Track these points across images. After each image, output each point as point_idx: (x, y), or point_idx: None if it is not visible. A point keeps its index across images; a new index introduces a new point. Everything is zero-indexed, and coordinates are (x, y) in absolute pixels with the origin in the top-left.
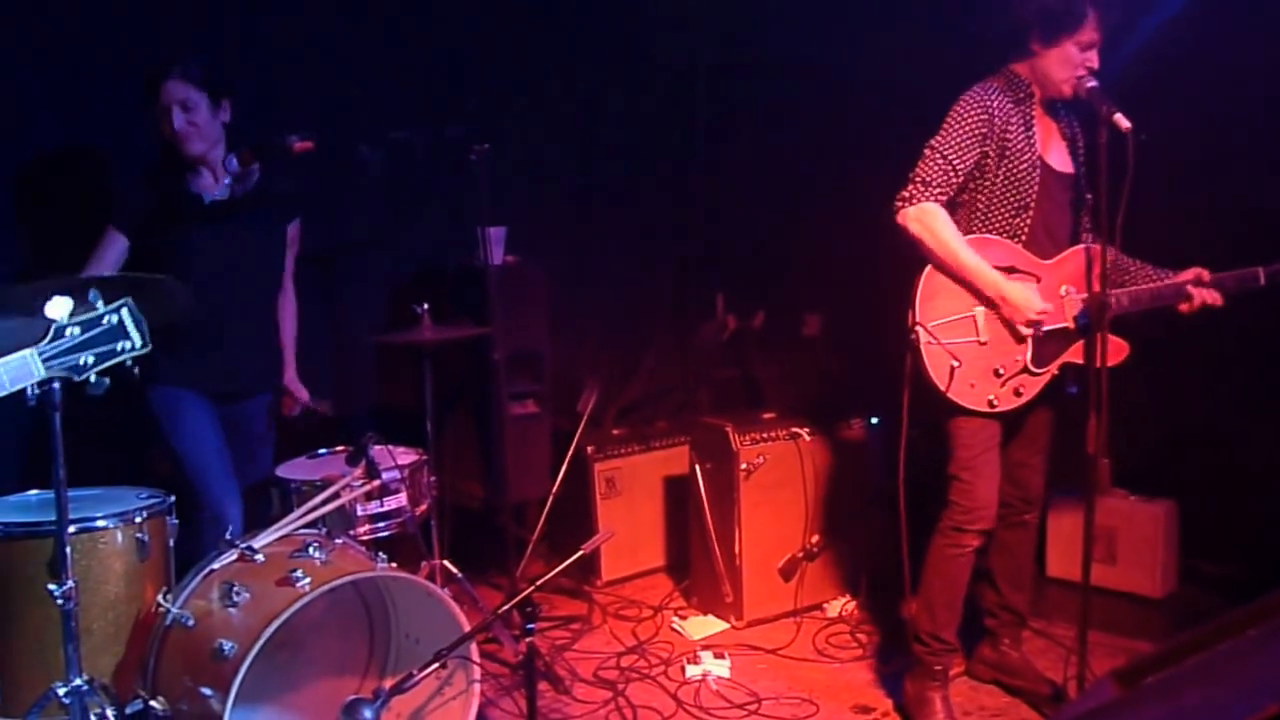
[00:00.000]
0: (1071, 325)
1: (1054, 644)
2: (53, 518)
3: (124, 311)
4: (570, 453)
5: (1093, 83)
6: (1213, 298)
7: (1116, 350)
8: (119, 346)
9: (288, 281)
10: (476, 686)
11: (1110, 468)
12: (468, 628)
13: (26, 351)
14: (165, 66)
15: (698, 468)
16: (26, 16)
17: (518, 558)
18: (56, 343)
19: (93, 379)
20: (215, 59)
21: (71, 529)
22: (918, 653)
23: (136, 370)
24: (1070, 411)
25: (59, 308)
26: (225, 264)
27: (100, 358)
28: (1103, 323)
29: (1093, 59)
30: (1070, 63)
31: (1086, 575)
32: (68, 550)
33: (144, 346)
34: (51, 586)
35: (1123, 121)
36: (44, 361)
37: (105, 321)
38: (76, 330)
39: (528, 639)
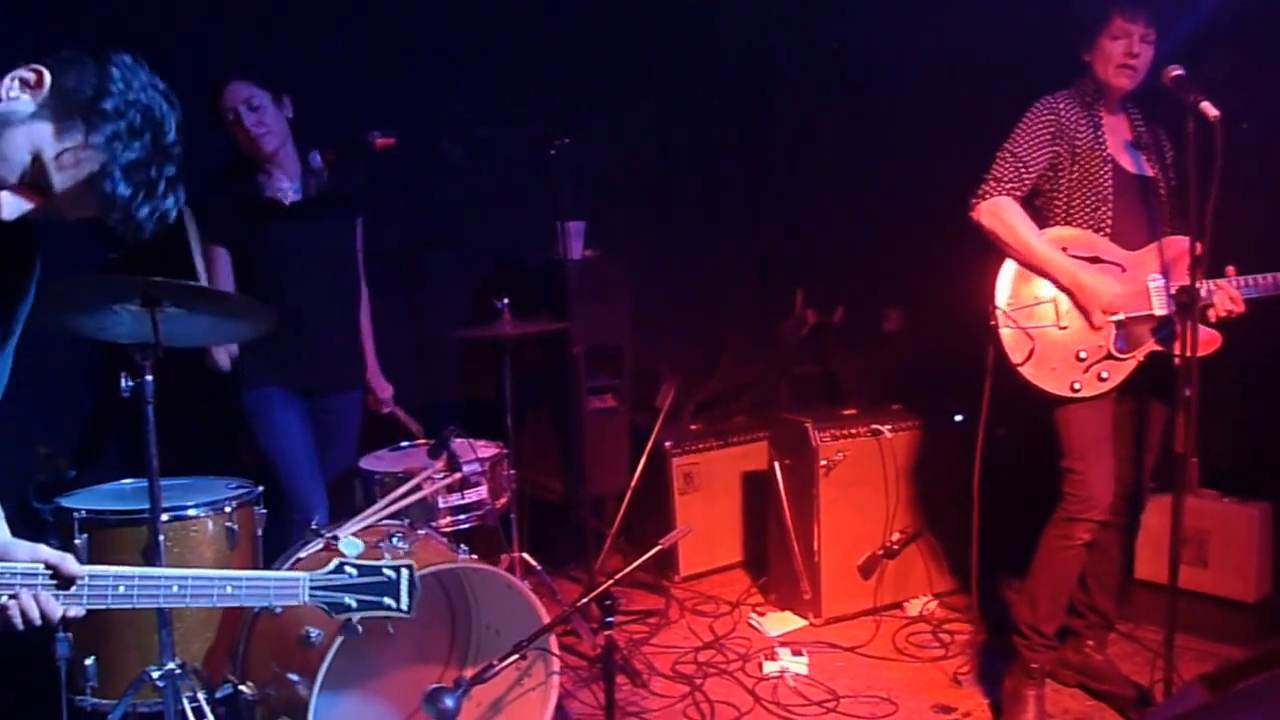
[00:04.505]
0: (1156, 313)
1: (1141, 647)
2: (146, 506)
3: (404, 573)
4: (648, 447)
5: (1178, 71)
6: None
7: (1209, 341)
8: (385, 601)
9: (361, 281)
10: (556, 678)
11: (1198, 467)
12: (547, 620)
13: (302, 574)
14: (223, 71)
15: (777, 464)
16: (98, 24)
17: (596, 551)
18: (332, 577)
19: (352, 620)
20: (296, 56)
21: (164, 517)
22: (1017, 645)
23: (391, 628)
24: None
25: (354, 546)
26: (307, 262)
27: (363, 605)
28: (1192, 312)
29: (1133, 46)
30: (1110, 57)
31: (1174, 577)
32: (161, 538)
33: (409, 611)
34: None
35: (1210, 110)
36: (311, 589)
37: (384, 574)
38: (354, 571)
39: (606, 632)
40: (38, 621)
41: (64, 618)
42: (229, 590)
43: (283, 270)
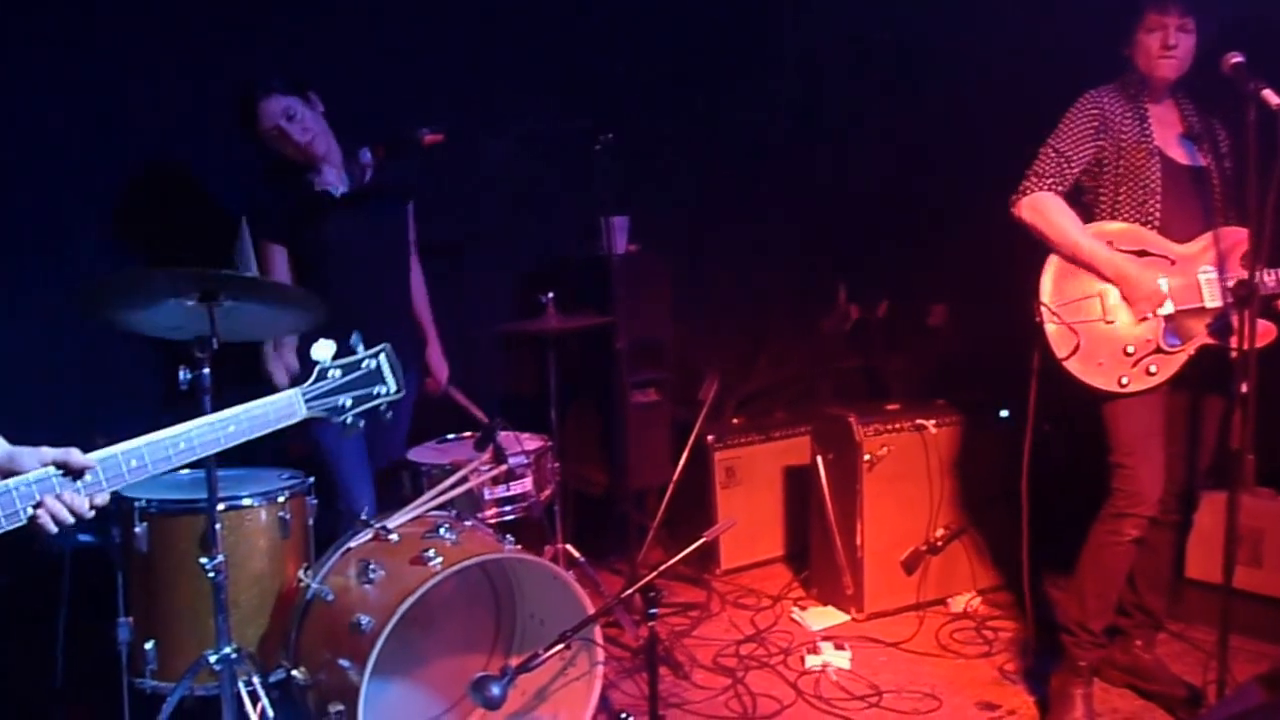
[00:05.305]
0: (1207, 305)
1: (1191, 647)
2: (204, 495)
3: (382, 357)
4: (691, 441)
5: (1238, 58)
6: None
7: (1263, 334)
8: (375, 391)
9: (414, 261)
10: (599, 668)
11: (1255, 464)
12: (591, 610)
13: (291, 391)
14: (251, 92)
15: (819, 458)
16: (139, 30)
17: (638, 544)
18: (319, 384)
19: (349, 420)
20: (341, 52)
21: (220, 506)
22: (1064, 642)
23: (389, 414)
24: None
25: (323, 349)
26: (361, 254)
27: (358, 401)
28: (1250, 305)
29: (1169, 38)
30: (1149, 51)
31: (1229, 576)
32: (217, 526)
33: (398, 392)
34: (203, 560)
35: (1272, 98)
36: (306, 402)
37: (364, 365)
38: (338, 373)
39: (649, 623)
40: (70, 520)
41: (93, 506)
42: (232, 429)
43: (338, 263)
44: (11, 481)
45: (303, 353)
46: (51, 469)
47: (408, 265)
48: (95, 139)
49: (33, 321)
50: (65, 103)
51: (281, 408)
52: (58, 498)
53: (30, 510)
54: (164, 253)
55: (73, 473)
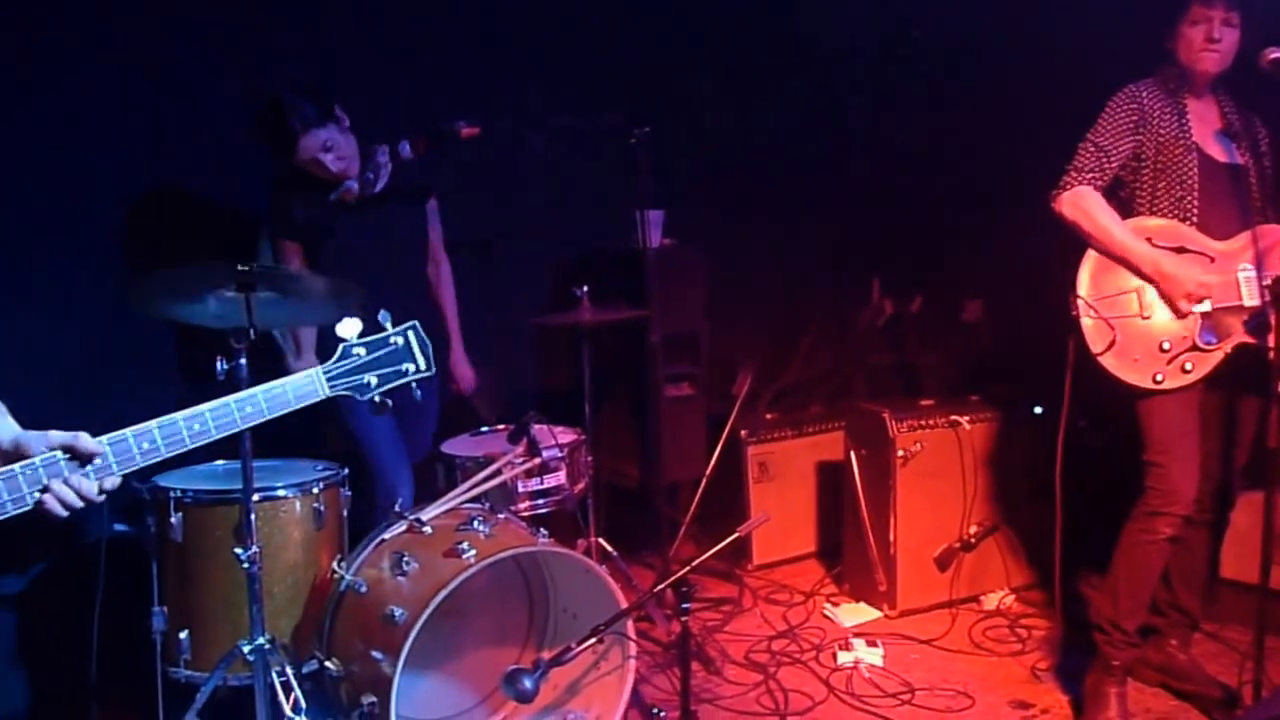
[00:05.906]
0: (1245, 304)
1: (1226, 648)
2: (239, 486)
3: (410, 334)
4: (724, 436)
5: (1277, 54)
6: None
7: None
8: (403, 368)
9: (442, 258)
10: (632, 663)
11: None
12: (624, 605)
13: (313, 370)
14: (287, 126)
15: (853, 454)
16: (156, 24)
17: (671, 538)
18: (343, 362)
19: (377, 399)
20: (378, 45)
21: (255, 497)
22: (1097, 641)
23: (419, 393)
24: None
25: (348, 328)
26: (377, 253)
27: (384, 379)
28: None
29: (1213, 31)
30: (1192, 43)
31: (1265, 576)
32: (252, 517)
33: (428, 369)
34: (238, 550)
35: None
36: (329, 381)
37: (392, 343)
38: (362, 351)
39: (682, 618)
40: (78, 504)
41: (103, 490)
42: (249, 410)
43: (354, 262)
44: (18, 466)
45: (324, 350)
46: (59, 453)
47: (423, 266)
48: (107, 136)
49: (68, 316)
50: (74, 102)
51: (302, 386)
52: (65, 482)
53: (37, 495)
54: (183, 248)
55: (80, 457)
